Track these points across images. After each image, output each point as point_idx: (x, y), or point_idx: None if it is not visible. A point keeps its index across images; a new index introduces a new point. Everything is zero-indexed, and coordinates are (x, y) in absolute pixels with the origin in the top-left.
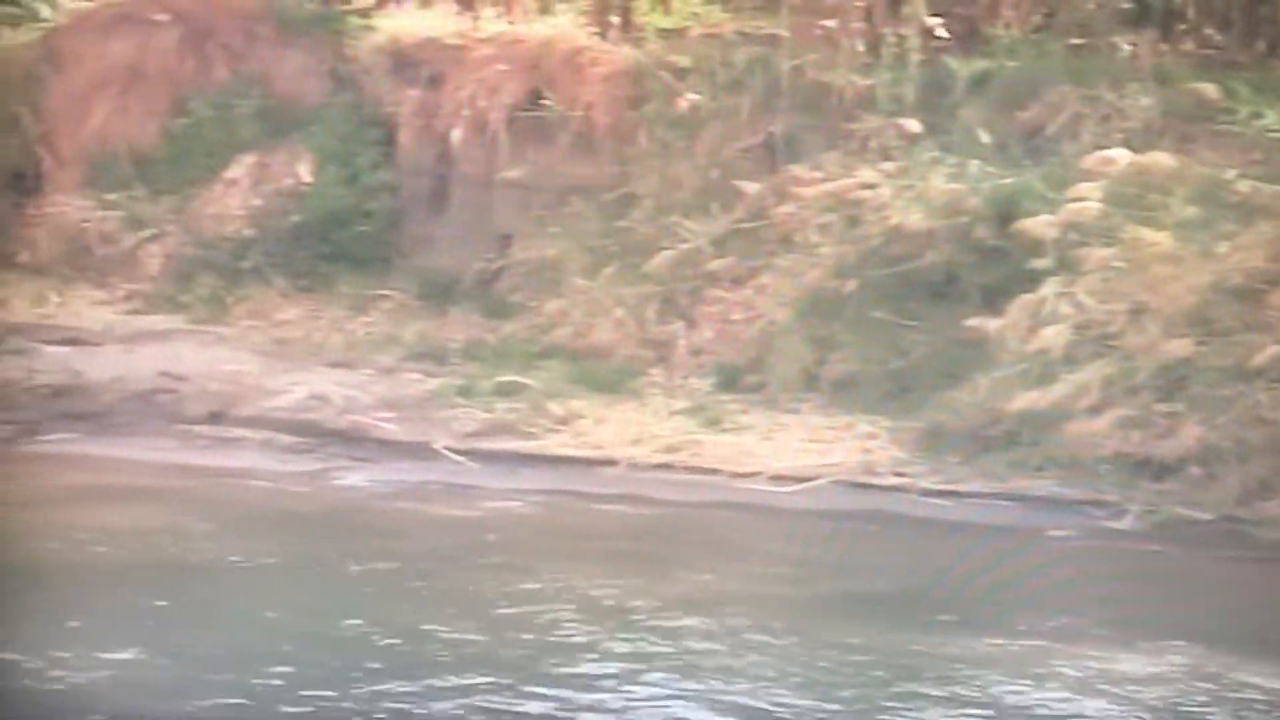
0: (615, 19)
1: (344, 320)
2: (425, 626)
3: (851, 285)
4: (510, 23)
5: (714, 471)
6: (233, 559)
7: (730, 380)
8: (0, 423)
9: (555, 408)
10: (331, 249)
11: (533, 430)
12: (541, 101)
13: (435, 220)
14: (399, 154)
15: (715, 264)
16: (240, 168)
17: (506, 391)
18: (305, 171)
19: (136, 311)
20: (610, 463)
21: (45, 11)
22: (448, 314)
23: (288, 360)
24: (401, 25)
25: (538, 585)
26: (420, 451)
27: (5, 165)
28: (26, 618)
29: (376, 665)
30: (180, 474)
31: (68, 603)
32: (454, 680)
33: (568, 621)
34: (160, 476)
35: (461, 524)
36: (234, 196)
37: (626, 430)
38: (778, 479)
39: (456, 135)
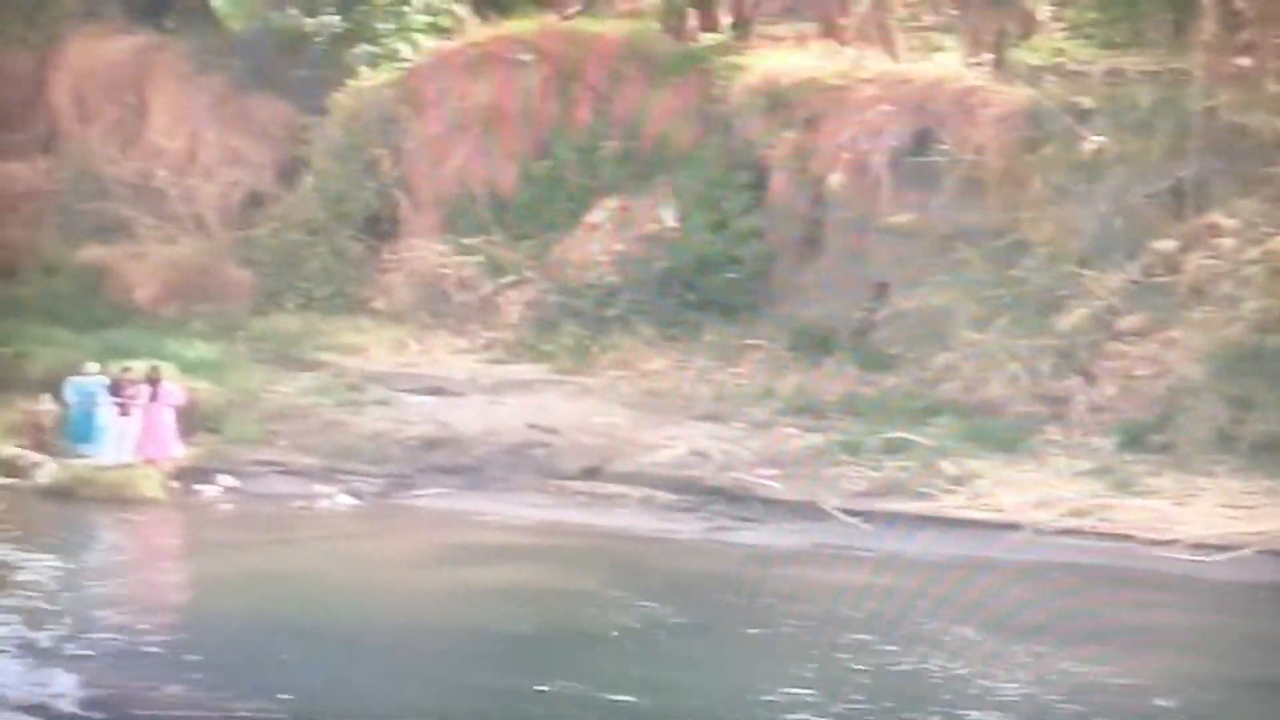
0: (988, 55)
1: (713, 371)
2: (844, 706)
3: (1276, 340)
4: (894, 61)
5: (1126, 538)
6: (624, 622)
7: (1135, 439)
8: (372, 476)
9: (949, 467)
10: (698, 297)
11: (927, 490)
12: (932, 144)
13: (807, 267)
14: (770, 198)
15: (1124, 320)
16: (602, 212)
17: (895, 449)
18: (670, 216)
19: (498, 360)
20: (1013, 527)
21: (405, 51)
22: (821, 365)
23: (658, 413)
24: (777, 65)
25: (960, 663)
26: (809, 511)
27: (361, 208)
28: (408, 681)
29: None
30: (560, 532)
31: (450, 667)
32: None
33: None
34: (540, 534)
35: (865, 591)
36: (596, 241)
37: (1028, 492)
38: (1197, 547)
39: (836, 179)
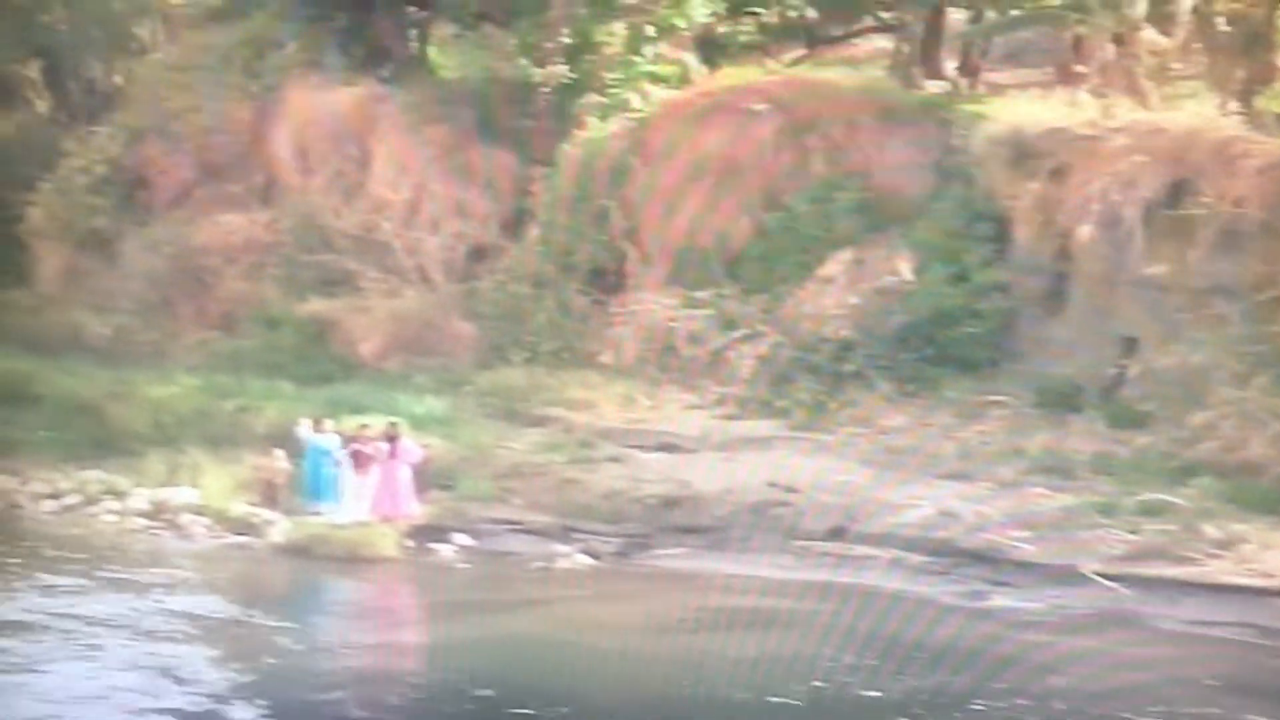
0: (1235, 104)
1: (955, 428)
2: None
3: None
4: (1145, 110)
5: None
6: (900, 688)
7: None
8: (609, 535)
9: (1211, 529)
10: (937, 351)
11: (1190, 555)
12: (1187, 196)
13: (1051, 322)
14: (1013, 251)
15: None
16: (836, 264)
17: (1152, 511)
18: (906, 269)
19: (731, 416)
20: None
21: (635, 101)
22: (1069, 423)
23: (899, 471)
24: (1022, 114)
25: None
26: (1066, 576)
27: (588, 260)
28: None
29: None
30: (810, 595)
31: None
32: None
33: None
34: (791, 597)
35: (1141, 663)
36: (830, 295)
37: None
38: None
39: (1085, 231)
